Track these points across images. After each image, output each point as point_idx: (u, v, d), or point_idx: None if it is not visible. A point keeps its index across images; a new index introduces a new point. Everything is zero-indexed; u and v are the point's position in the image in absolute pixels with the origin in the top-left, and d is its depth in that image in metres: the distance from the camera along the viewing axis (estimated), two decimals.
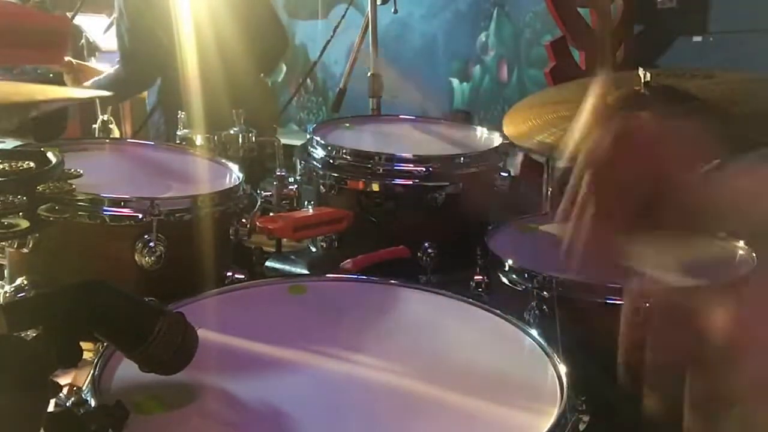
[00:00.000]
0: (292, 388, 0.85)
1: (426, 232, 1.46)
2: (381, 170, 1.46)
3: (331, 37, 2.66)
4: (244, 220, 1.31)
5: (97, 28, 3.06)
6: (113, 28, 2.72)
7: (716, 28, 3.50)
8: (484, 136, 1.74)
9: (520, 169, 3.22)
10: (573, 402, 0.81)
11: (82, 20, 2.99)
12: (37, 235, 1.12)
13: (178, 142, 1.63)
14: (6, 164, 0.81)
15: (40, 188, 0.81)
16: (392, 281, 1.14)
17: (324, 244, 1.52)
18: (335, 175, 1.49)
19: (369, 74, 2.54)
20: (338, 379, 0.87)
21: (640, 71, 1.69)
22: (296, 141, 2.03)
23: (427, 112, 4.38)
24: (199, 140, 1.59)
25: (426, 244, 1.44)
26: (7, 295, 1.17)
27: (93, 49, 3.43)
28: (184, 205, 1.22)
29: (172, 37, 2.12)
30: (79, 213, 1.13)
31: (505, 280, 1.25)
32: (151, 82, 2.59)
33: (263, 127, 1.73)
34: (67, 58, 2.74)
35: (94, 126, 2.69)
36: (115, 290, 0.75)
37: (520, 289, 1.22)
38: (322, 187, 1.50)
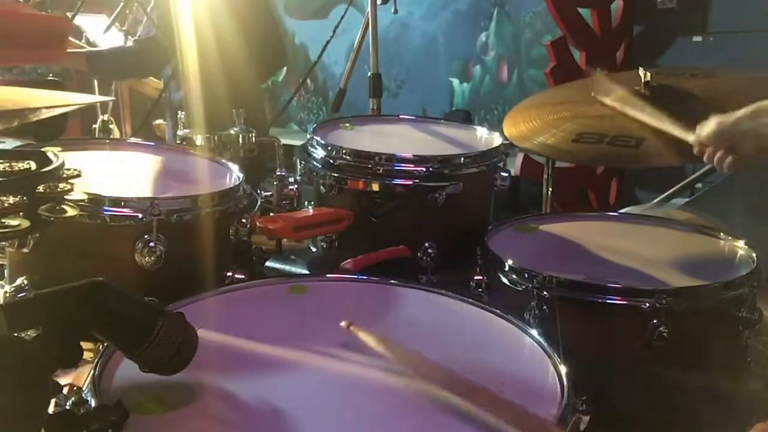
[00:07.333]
0: (292, 388, 0.85)
1: (426, 232, 1.46)
2: (381, 170, 1.46)
3: (331, 37, 2.66)
4: (244, 220, 1.31)
5: (97, 28, 3.05)
6: (113, 29, 2.72)
7: (716, 28, 3.50)
8: (484, 136, 1.73)
9: (520, 169, 3.22)
10: (573, 402, 0.81)
11: (82, 20, 2.98)
12: (37, 235, 1.12)
13: (178, 142, 1.63)
14: (6, 164, 0.81)
15: (40, 188, 0.81)
16: (392, 281, 1.14)
17: (324, 244, 1.52)
18: (335, 175, 1.48)
19: (369, 74, 2.54)
20: (338, 379, 0.87)
21: (640, 71, 1.70)
22: (296, 141, 2.03)
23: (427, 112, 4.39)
24: (199, 140, 1.59)
25: (426, 244, 1.44)
26: (7, 295, 1.17)
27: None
28: (184, 205, 1.22)
29: (173, 37, 2.11)
30: (80, 213, 1.13)
31: (505, 280, 1.25)
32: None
33: (259, 129, 1.73)
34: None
35: (94, 126, 2.69)
36: (115, 290, 0.75)
37: (520, 289, 1.22)
38: (322, 187, 1.50)
